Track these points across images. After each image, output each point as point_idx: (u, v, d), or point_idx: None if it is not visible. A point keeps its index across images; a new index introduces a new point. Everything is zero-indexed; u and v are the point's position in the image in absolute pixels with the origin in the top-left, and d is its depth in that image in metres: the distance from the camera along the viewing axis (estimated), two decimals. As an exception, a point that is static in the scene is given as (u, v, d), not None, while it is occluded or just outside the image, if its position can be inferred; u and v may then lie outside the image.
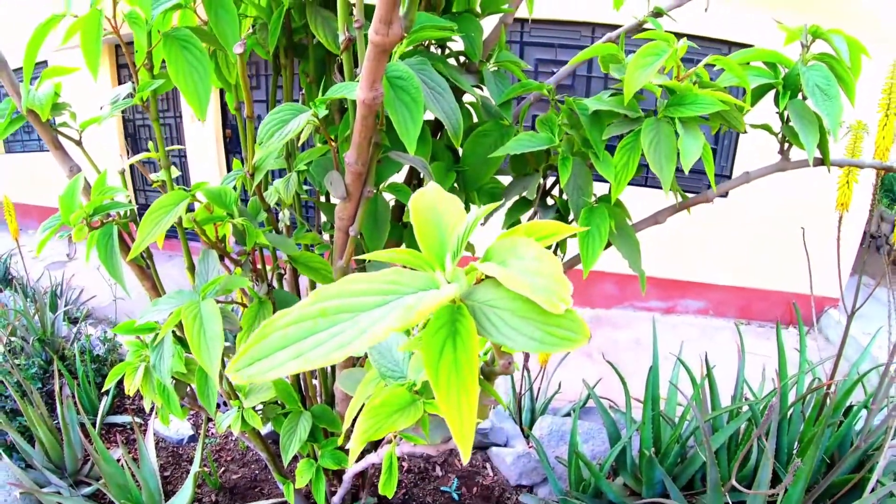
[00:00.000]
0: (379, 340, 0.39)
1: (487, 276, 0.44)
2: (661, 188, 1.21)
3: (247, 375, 0.42)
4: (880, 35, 4.94)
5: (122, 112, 6.87)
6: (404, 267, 0.47)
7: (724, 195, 5.77)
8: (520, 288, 0.39)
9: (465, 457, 0.41)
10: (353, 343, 0.40)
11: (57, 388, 2.68)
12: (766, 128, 1.43)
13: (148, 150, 1.39)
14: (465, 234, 0.47)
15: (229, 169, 7.59)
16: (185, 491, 2.23)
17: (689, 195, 1.42)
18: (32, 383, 3.20)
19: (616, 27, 1.59)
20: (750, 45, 5.29)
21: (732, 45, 5.38)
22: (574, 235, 1.26)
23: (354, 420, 0.77)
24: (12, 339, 3.58)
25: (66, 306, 4.50)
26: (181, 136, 7.31)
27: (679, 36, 1.25)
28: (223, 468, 2.64)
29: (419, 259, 0.46)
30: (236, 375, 0.43)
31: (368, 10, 1.10)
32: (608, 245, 1.26)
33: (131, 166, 1.39)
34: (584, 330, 0.41)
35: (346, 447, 1.70)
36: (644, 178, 5.68)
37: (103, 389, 2.16)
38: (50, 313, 3.98)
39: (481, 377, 0.79)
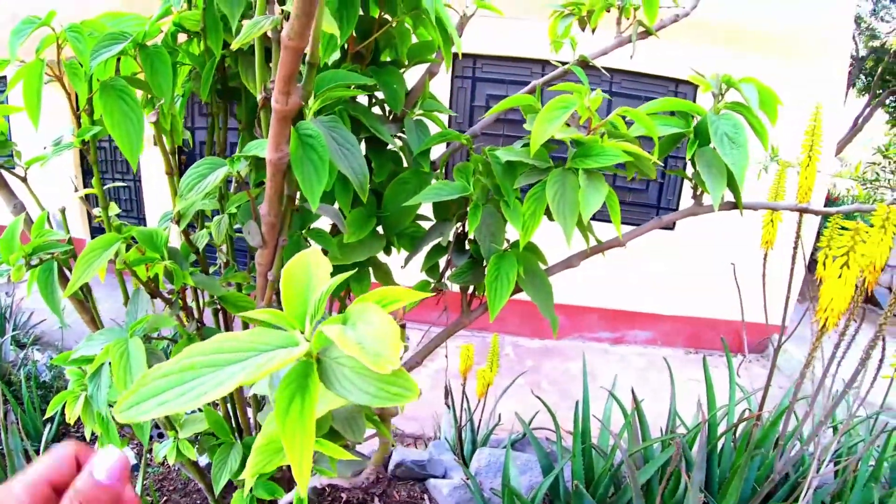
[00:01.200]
0: (228, 392, 0.46)
1: (342, 335, 0.51)
2: (609, 221, 1.27)
3: (125, 417, 0.49)
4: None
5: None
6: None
7: (672, 227, 5.89)
8: (350, 350, 0.45)
9: (303, 491, 0.47)
10: (208, 393, 0.47)
11: (1, 414, 2.68)
12: (681, 173, 1.50)
13: (104, 173, 1.43)
14: (321, 299, 0.53)
15: (185, 195, 7.58)
16: (126, 519, 2.24)
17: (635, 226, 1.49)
18: (-25, 410, 3.19)
19: (566, 64, 1.67)
20: (695, 85, 5.44)
21: (680, 83, 5.52)
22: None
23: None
24: (-43, 362, 3.56)
25: (14, 330, 4.47)
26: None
27: (623, 73, 1.33)
28: (165, 498, 2.66)
29: (282, 319, 0.53)
30: (119, 416, 0.49)
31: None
32: (518, 290, 1.32)
33: (100, 181, 1.43)
34: (414, 387, 0.48)
35: (286, 474, 1.74)
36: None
37: (46, 416, 2.18)
38: (-3, 336, 3.96)
39: (377, 418, 0.86)
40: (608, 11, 1.70)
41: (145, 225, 1.45)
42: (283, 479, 1.75)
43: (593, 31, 1.74)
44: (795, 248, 2.30)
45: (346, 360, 0.49)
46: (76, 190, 1.50)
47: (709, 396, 2.44)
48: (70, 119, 1.34)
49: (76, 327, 4.59)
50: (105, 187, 1.45)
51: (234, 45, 0.88)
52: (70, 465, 0.55)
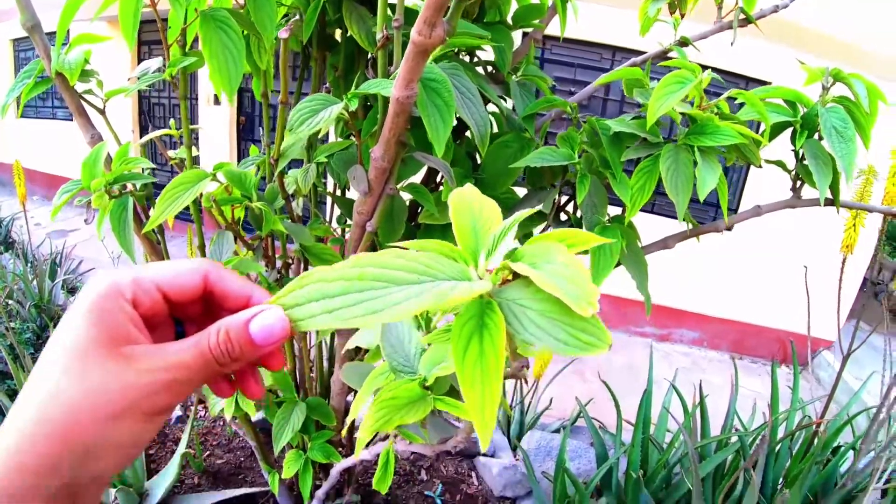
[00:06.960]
0: (409, 315, 0.42)
1: (516, 276, 0.46)
2: (669, 216, 1.22)
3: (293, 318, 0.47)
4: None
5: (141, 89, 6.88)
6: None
7: (730, 228, 5.74)
8: (551, 289, 0.40)
9: (485, 445, 0.42)
10: (385, 311, 0.42)
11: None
12: (781, 164, 1.44)
13: (162, 128, 1.39)
14: (501, 235, 0.48)
15: (240, 155, 7.62)
16: (171, 469, 2.23)
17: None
18: (25, 348, 3.20)
19: (636, 52, 1.62)
20: (766, 83, 5.33)
21: (750, 81, 5.40)
22: (586, 252, 1.27)
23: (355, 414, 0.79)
24: (8, 301, 3.59)
25: (65, 275, 4.49)
26: (195, 119, 7.33)
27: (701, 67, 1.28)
28: (209, 452, 2.64)
29: (455, 252, 0.48)
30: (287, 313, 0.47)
31: (407, 14, 1.11)
32: (618, 264, 1.27)
33: (148, 143, 1.39)
34: (607, 336, 0.42)
35: (342, 438, 1.71)
36: (651, 204, 5.67)
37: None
38: (49, 280, 3.98)
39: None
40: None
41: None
42: (339, 443, 1.72)
43: (682, 15, 1.68)
44: (875, 256, 2.23)
45: (531, 303, 0.44)
46: (140, 132, 1.47)
47: (773, 399, 2.38)
48: (128, 59, 1.29)
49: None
50: (159, 133, 1.41)
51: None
52: (193, 281, 0.51)
